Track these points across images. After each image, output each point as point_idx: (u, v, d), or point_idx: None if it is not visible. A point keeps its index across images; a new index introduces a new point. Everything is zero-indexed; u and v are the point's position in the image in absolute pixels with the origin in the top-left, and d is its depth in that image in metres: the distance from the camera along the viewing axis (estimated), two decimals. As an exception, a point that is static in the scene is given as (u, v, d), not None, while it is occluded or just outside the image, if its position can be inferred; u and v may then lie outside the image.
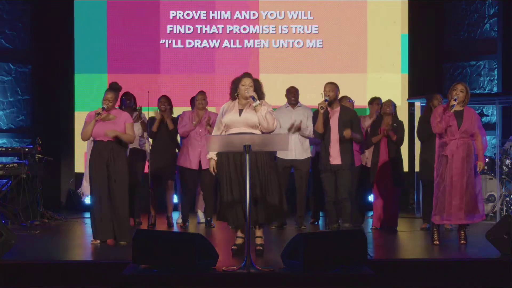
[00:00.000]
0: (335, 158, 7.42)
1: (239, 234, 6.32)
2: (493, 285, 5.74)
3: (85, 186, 7.94)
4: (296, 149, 8.20)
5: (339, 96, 7.71)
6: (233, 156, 6.10)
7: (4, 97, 10.78)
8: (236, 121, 6.13)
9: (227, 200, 6.13)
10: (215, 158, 6.22)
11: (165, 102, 8.52)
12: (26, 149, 8.93)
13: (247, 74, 6.28)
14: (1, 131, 10.75)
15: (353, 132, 7.41)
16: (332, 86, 7.43)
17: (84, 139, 7.11)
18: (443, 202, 6.83)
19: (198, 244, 5.34)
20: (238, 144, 5.59)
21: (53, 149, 10.02)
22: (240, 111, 6.16)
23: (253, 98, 6.06)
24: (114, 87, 7.13)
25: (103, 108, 6.94)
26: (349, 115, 7.49)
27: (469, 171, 6.80)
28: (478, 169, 6.94)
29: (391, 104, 8.19)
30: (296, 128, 8.19)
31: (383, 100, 8.46)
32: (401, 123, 8.20)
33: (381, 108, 8.30)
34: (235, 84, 6.25)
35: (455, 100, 6.78)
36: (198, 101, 8.36)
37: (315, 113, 7.56)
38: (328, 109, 7.45)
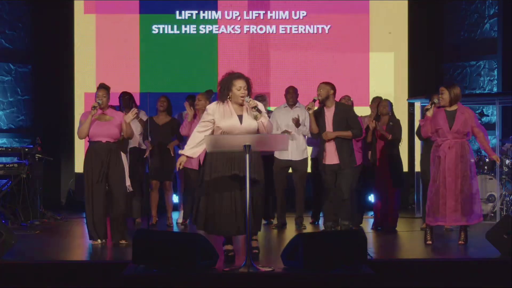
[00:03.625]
0: (332, 157, 7.47)
1: (229, 240, 6.01)
2: (493, 285, 5.74)
3: None
4: (292, 150, 8.16)
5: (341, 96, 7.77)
6: (231, 158, 5.78)
7: (4, 97, 10.77)
8: (237, 129, 5.77)
9: (215, 207, 5.79)
10: (186, 154, 5.82)
11: (164, 102, 8.53)
12: (26, 149, 8.93)
13: (239, 75, 5.81)
14: (1, 131, 10.74)
15: (349, 129, 7.46)
16: (323, 85, 7.58)
17: (81, 138, 7.04)
18: (436, 203, 6.83)
19: (198, 244, 5.34)
20: (238, 144, 5.52)
21: (53, 149, 10.02)
22: (240, 117, 5.80)
23: (258, 110, 5.70)
24: (104, 86, 7.08)
25: (98, 103, 6.93)
26: (345, 112, 7.53)
27: (463, 172, 6.79)
28: (497, 162, 6.88)
29: (387, 104, 8.21)
30: (296, 123, 8.12)
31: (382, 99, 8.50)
32: (397, 121, 8.21)
33: (377, 108, 8.31)
34: (226, 86, 5.80)
35: (431, 104, 6.89)
36: (196, 100, 8.32)
37: (313, 114, 7.64)
38: (324, 108, 7.54)
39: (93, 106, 6.88)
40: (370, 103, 8.78)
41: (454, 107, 6.89)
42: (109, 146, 6.94)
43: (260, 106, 5.86)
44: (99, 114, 6.96)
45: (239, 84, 5.77)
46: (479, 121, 7.32)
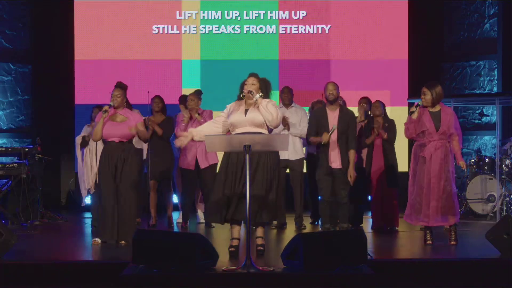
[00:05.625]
0: (335, 161, 7.41)
1: (235, 235, 6.24)
2: (493, 285, 5.75)
3: (84, 190, 7.98)
4: (289, 150, 8.14)
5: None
6: (237, 155, 6.04)
7: (4, 97, 10.78)
8: (242, 121, 6.11)
9: (217, 197, 6.09)
10: (194, 131, 6.29)
11: (159, 103, 8.52)
12: (26, 149, 8.92)
13: (252, 74, 6.30)
14: (1, 131, 10.75)
15: (350, 138, 7.41)
16: (335, 85, 7.45)
17: (95, 140, 7.10)
18: (419, 204, 6.84)
19: (198, 244, 5.35)
20: (238, 144, 5.59)
21: (53, 149, 10.02)
22: (246, 111, 6.15)
23: (251, 92, 6.07)
24: (120, 85, 7.08)
25: (110, 106, 6.93)
26: (348, 117, 7.44)
27: (446, 173, 6.81)
28: (462, 168, 7.02)
29: (380, 105, 8.20)
30: (284, 123, 8.09)
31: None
32: (392, 122, 8.21)
33: (370, 109, 8.29)
34: (243, 84, 6.28)
35: (415, 106, 6.85)
36: (188, 101, 8.32)
37: (314, 114, 7.59)
38: (327, 109, 7.46)
39: (103, 110, 6.90)
40: (358, 104, 8.51)
41: (437, 108, 6.89)
42: (122, 147, 6.93)
43: (266, 102, 6.15)
44: (112, 114, 6.96)
45: (249, 81, 6.25)
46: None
